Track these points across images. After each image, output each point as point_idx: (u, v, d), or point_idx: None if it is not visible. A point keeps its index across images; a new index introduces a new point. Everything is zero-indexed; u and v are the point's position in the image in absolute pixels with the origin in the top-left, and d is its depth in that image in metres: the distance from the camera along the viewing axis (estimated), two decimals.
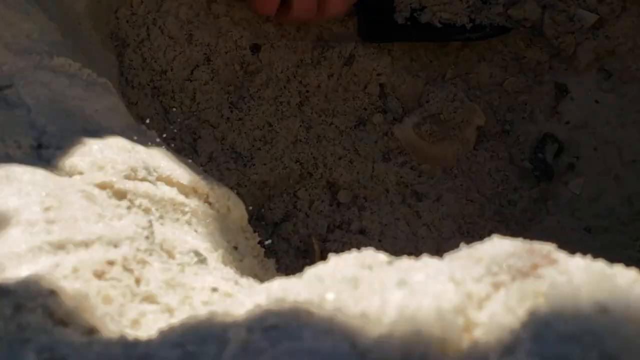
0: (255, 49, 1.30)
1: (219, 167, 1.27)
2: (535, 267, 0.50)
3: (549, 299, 0.46)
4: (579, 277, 0.48)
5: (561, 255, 0.51)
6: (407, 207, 1.31)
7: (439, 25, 1.29)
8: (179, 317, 0.57)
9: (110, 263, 0.59)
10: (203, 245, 0.70)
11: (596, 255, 0.74)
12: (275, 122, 1.31)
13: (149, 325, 0.57)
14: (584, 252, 0.62)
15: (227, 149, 1.29)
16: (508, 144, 1.34)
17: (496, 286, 0.49)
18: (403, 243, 1.26)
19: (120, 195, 0.69)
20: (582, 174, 1.27)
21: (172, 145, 1.24)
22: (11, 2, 0.85)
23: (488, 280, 0.49)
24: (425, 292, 0.48)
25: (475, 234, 1.26)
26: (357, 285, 0.51)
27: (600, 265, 0.50)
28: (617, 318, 0.43)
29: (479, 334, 0.47)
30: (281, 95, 1.32)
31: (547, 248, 0.51)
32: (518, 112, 1.35)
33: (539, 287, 0.48)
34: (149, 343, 0.51)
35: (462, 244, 0.53)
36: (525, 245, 0.52)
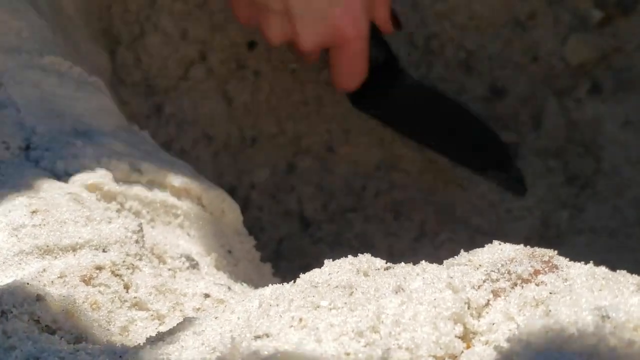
0: (252, 45, 1.29)
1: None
2: (536, 273, 0.49)
3: (549, 307, 0.45)
4: (581, 284, 0.47)
5: (563, 261, 0.50)
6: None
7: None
8: (169, 324, 0.56)
9: (99, 268, 0.57)
10: (195, 250, 0.69)
11: (603, 257, 0.72)
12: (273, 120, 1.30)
13: (138, 332, 0.56)
14: (591, 255, 0.61)
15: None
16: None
17: (496, 293, 0.48)
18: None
19: (109, 197, 0.68)
20: (589, 174, 1.25)
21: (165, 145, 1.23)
22: (0, 0, 0.84)
23: (488, 287, 0.48)
24: (422, 300, 0.47)
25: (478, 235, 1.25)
26: (352, 292, 0.50)
27: (602, 272, 0.48)
28: (618, 326, 0.42)
29: (477, 343, 0.45)
30: (279, 94, 1.31)
31: (549, 254, 0.50)
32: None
33: (540, 294, 0.47)
34: (137, 351, 0.49)
35: (461, 250, 0.52)
36: (527, 251, 0.51)
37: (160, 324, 0.56)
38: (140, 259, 0.60)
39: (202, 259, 0.67)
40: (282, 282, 0.55)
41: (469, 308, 0.47)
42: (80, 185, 0.67)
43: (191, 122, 1.26)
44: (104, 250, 0.59)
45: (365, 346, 0.45)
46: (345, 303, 0.48)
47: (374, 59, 1.13)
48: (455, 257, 0.51)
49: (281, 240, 1.27)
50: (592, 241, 1.18)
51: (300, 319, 0.47)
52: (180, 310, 0.58)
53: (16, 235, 0.59)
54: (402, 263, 0.53)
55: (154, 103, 1.25)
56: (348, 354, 0.44)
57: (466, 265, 0.50)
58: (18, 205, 0.61)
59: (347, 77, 1.12)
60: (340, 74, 1.12)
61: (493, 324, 0.46)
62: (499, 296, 0.48)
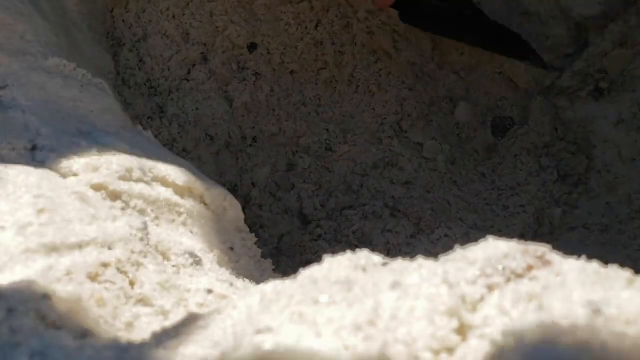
0: (253, 47, 1.30)
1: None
2: (529, 268, 0.50)
3: (542, 301, 0.46)
4: (573, 279, 0.47)
5: (555, 257, 0.50)
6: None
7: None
8: (173, 320, 0.57)
9: (105, 265, 0.58)
10: (198, 247, 0.70)
11: (595, 253, 0.73)
12: (274, 121, 1.31)
13: (143, 328, 0.56)
14: (584, 251, 0.62)
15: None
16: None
17: (490, 288, 0.49)
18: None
19: (115, 196, 0.69)
20: (582, 172, 1.26)
21: (168, 144, 1.23)
22: (5, 4, 0.84)
23: (482, 282, 0.49)
24: (419, 295, 0.48)
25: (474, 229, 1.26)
26: (351, 287, 0.51)
27: (594, 267, 0.49)
28: (610, 320, 0.43)
29: (472, 337, 0.46)
30: (279, 95, 1.31)
31: (542, 249, 0.51)
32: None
33: (533, 289, 0.48)
34: (142, 347, 0.50)
35: (456, 246, 0.53)
36: (520, 247, 0.51)
37: (164, 320, 0.57)
38: (145, 256, 0.61)
39: (205, 256, 0.68)
40: (282, 277, 0.56)
41: (464, 303, 0.48)
42: (85, 184, 0.68)
43: (193, 123, 1.27)
44: (109, 248, 0.60)
45: (363, 340, 0.46)
46: (344, 298, 0.49)
47: None
48: (451, 252, 0.52)
49: (282, 237, 1.28)
50: (585, 237, 1.19)
51: (301, 314, 0.49)
52: (184, 306, 0.59)
53: (23, 234, 0.59)
54: (399, 259, 0.54)
55: (157, 104, 1.26)
56: (347, 348, 0.45)
57: (461, 261, 0.51)
58: (25, 204, 0.62)
59: None
60: None
61: (488, 318, 0.47)
62: (493, 291, 0.48)
